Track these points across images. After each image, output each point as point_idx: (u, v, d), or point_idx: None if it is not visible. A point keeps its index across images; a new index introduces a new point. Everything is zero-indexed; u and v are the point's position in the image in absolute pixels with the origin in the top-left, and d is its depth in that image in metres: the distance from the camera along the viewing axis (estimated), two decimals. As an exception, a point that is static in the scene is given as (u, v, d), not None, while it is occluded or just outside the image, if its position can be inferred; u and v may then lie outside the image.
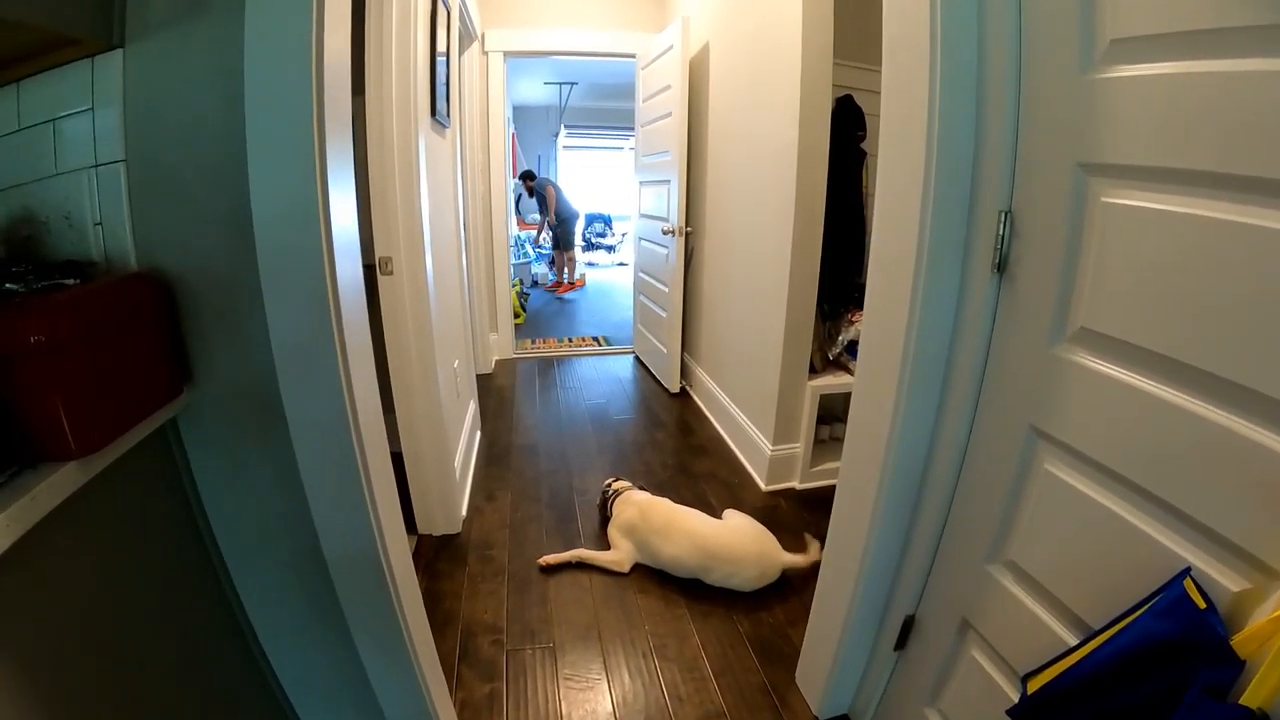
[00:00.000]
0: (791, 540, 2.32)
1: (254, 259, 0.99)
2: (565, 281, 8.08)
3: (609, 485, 2.59)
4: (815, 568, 1.87)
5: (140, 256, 1.04)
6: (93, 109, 0.99)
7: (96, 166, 1.01)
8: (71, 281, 0.92)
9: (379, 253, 2.04)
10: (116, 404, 0.91)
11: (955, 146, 1.13)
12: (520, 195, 8.11)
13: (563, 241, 7.90)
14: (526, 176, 7.77)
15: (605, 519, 2.51)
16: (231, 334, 1.09)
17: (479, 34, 4.02)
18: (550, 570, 2.30)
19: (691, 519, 2.30)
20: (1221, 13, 0.75)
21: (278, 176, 0.97)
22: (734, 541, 2.20)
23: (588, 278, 8.78)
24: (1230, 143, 0.75)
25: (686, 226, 3.82)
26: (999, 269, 1.11)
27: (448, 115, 2.72)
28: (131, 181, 1.02)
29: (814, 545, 2.28)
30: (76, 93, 0.99)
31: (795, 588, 2.18)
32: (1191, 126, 0.79)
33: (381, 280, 2.06)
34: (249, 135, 0.95)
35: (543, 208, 7.89)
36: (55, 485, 0.80)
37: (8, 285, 0.88)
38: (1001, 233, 1.08)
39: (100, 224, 1.02)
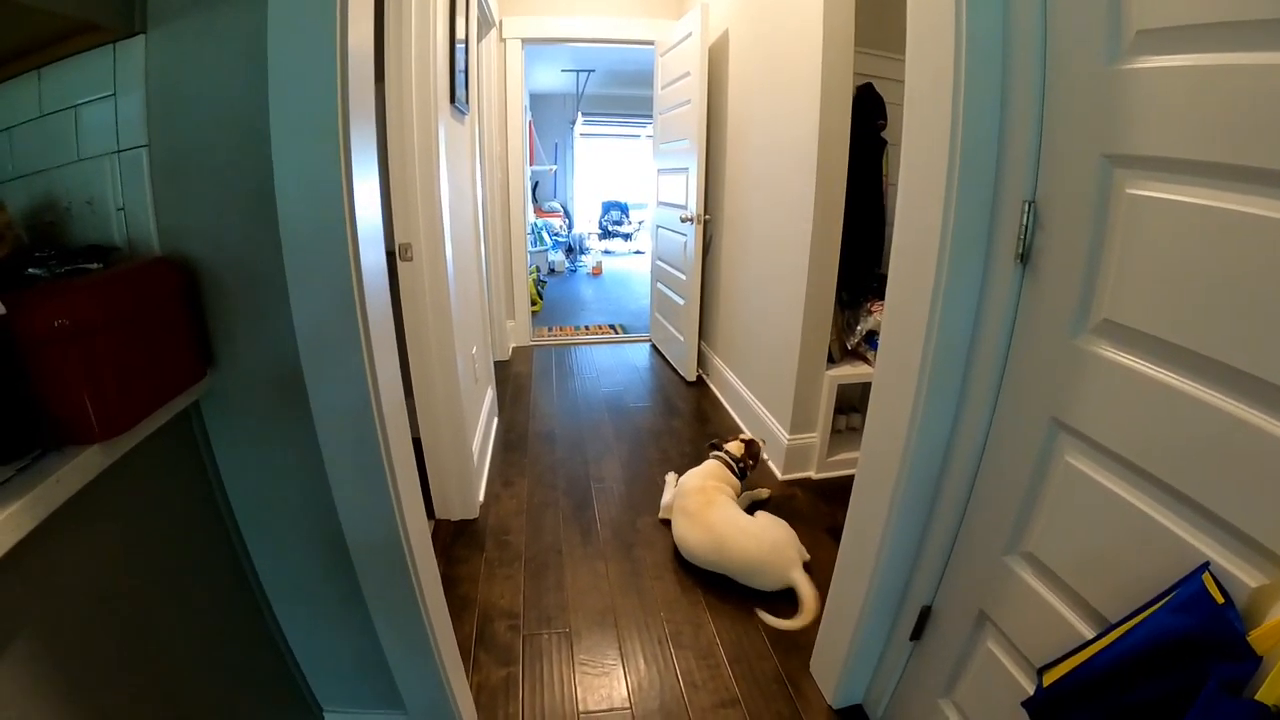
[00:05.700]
0: (806, 531, 2.31)
1: (277, 244, 0.99)
2: None
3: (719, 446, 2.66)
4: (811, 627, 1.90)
5: (163, 241, 1.05)
6: (115, 95, 1.00)
7: (119, 152, 1.01)
8: (94, 266, 0.93)
9: (399, 239, 2.05)
10: (139, 388, 0.92)
11: (979, 136, 1.11)
12: (537, 184, 7.68)
13: None
14: None
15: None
16: (254, 318, 1.10)
17: (497, 21, 4.01)
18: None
19: (715, 512, 2.23)
20: (1250, 4, 0.73)
21: (302, 161, 0.96)
22: (747, 546, 2.12)
23: (604, 265, 8.75)
24: (1258, 136, 0.73)
25: (705, 214, 3.80)
26: (1022, 260, 1.09)
27: (466, 102, 2.72)
28: (154, 166, 1.02)
29: (808, 605, 2.01)
30: (99, 79, 1.00)
31: (811, 578, 2.17)
32: (1219, 119, 0.77)
33: (401, 266, 2.07)
34: (273, 120, 0.94)
35: None
36: (79, 468, 0.82)
37: (31, 270, 0.89)
38: (1025, 223, 1.07)
39: (123, 209, 1.03)
